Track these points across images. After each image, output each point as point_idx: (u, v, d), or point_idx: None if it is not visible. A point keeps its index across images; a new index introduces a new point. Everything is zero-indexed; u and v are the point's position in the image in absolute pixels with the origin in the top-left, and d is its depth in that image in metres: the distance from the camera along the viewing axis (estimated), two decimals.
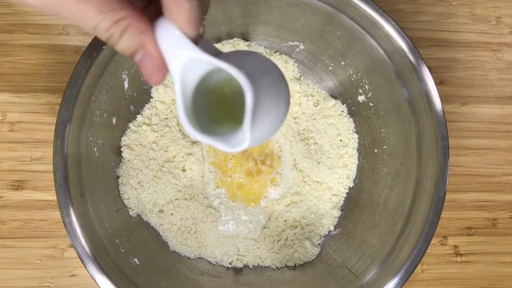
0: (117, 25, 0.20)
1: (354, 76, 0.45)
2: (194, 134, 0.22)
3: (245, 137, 0.22)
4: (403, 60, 0.39)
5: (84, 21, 0.20)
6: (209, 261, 0.44)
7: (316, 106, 0.47)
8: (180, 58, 0.21)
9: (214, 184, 0.45)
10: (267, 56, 0.26)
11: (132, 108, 0.44)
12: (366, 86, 0.44)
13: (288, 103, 0.25)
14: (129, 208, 0.43)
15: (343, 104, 0.47)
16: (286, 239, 0.45)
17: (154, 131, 0.44)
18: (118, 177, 0.43)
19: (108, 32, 0.21)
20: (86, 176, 0.38)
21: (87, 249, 0.36)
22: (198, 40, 0.22)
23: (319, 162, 0.46)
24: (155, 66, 0.22)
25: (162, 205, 0.44)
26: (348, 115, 0.47)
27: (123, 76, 0.41)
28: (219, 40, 0.46)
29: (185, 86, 0.22)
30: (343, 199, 0.46)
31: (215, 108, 0.25)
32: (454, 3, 0.51)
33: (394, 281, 0.37)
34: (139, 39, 0.21)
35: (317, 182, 0.46)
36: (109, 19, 0.20)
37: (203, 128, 0.23)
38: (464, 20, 0.51)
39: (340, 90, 0.47)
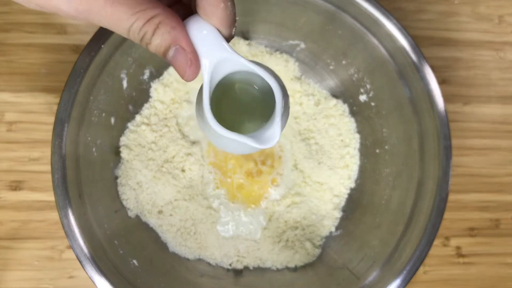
0: (149, 23, 0.21)
1: (356, 75, 0.44)
2: (223, 132, 0.23)
3: (276, 134, 0.23)
4: (405, 59, 0.39)
5: (118, 24, 0.21)
6: (208, 263, 0.44)
7: (317, 105, 0.47)
8: (213, 56, 0.22)
9: (213, 185, 0.45)
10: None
11: (131, 108, 0.44)
12: (367, 85, 0.44)
13: (289, 104, 0.26)
14: (128, 209, 0.43)
15: (344, 103, 0.46)
16: (287, 240, 0.45)
17: (153, 131, 0.44)
18: (116, 178, 0.43)
19: (141, 31, 0.21)
20: (85, 176, 0.38)
21: (85, 250, 0.35)
22: (229, 40, 0.23)
23: (320, 163, 0.46)
24: (188, 60, 0.22)
25: (161, 206, 0.44)
26: (350, 115, 0.46)
27: (121, 75, 0.41)
28: None
29: (210, 85, 0.23)
30: (345, 200, 0.46)
31: (224, 109, 0.25)
32: (456, 1, 0.51)
33: (396, 282, 0.37)
34: (171, 35, 0.21)
35: (318, 182, 0.45)
36: (142, 19, 0.21)
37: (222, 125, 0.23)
38: (467, 19, 0.51)
39: (341, 89, 0.46)
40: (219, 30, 0.22)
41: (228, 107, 0.25)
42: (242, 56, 0.22)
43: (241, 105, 0.26)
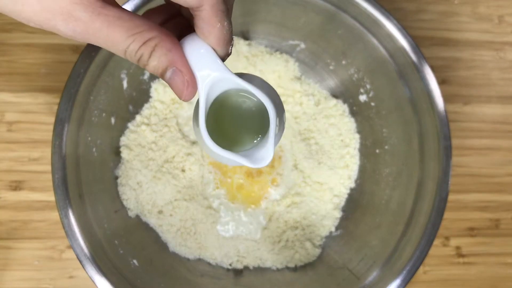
0: (145, 45, 0.21)
1: (356, 75, 0.44)
2: (218, 150, 0.23)
3: (269, 154, 0.24)
4: (405, 59, 0.39)
5: (115, 45, 0.21)
6: (209, 263, 0.44)
7: (317, 105, 0.47)
8: (209, 76, 0.22)
9: (213, 185, 0.45)
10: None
11: (131, 108, 0.44)
12: (367, 85, 0.44)
13: (285, 117, 0.27)
14: (128, 209, 0.43)
15: (344, 103, 0.46)
16: (287, 240, 0.45)
17: (153, 131, 0.44)
18: (117, 178, 0.43)
19: (137, 53, 0.21)
20: (85, 176, 0.38)
21: (85, 250, 0.35)
22: (225, 59, 0.23)
23: (320, 163, 0.46)
24: (185, 81, 0.22)
25: (162, 206, 0.44)
26: (350, 115, 0.46)
27: (122, 75, 0.41)
28: None
29: (207, 102, 0.23)
30: (345, 200, 0.46)
31: (217, 125, 0.26)
32: (456, 2, 0.51)
33: (396, 282, 0.37)
34: (167, 57, 0.22)
35: (318, 182, 0.45)
36: (138, 41, 0.21)
37: (216, 143, 0.24)
38: (467, 19, 0.51)
39: (341, 89, 0.46)
40: (216, 49, 0.22)
41: (225, 122, 0.26)
42: (236, 76, 0.23)
43: (238, 120, 0.26)
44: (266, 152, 0.24)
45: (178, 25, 0.24)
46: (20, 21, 0.22)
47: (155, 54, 0.22)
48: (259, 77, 0.25)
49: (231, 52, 0.24)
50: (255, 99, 0.25)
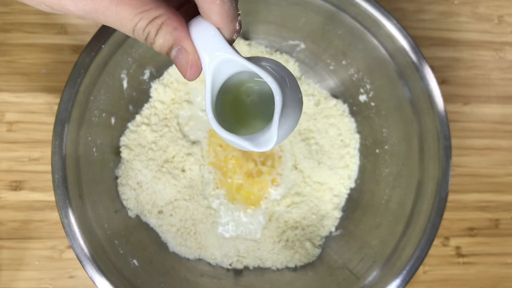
0: (152, 23, 0.22)
1: (356, 75, 0.44)
2: (223, 133, 0.23)
3: (273, 138, 0.23)
4: (405, 59, 0.39)
5: (123, 24, 0.22)
6: (209, 263, 0.44)
7: (317, 106, 0.47)
8: (214, 57, 0.22)
9: (213, 185, 0.45)
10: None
11: (131, 108, 0.44)
12: (367, 85, 0.44)
13: (301, 104, 0.26)
14: (128, 209, 0.43)
15: (344, 103, 0.46)
16: (287, 240, 0.45)
17: (153, 131, 0.44)
18: (117, 178, 0.43)
19: (145, 31, 0.22)
20: (85, 176, 0.38)
21: (85, 250, 0.35)
22: (235, 37, 0.23)
23: (320, 163, 0.46)
24: (189, 61, 0.22)
25: (162, 206, 0.44)
26: (350, 115, 0.46)
27: (122, 75, 0.41)
28: None
29: (213, 85, 0.23)
30: (344, 200, 0.46)
31: (230, 108, 0.26)
32: (456, 2, 0.51)
33: (396, 282, 0.37)
34: (173, 36, 0.22)
35: (318, 182, 0.45)
36: (145, 19, 0.22)
37: (223, 127, 0.23)
38: (466, 19, 0.51)
39: (341, 89, 0.46)
40: (221, 30, 0.22)
41: (236, 106, 0.25)
42: (243, 57, 0.22)
43: (251, 104, 0.26)
44: (270, 135, 0.23)
45: (188, 13, 0.24)
46: (30, 4, 0.22)
47: (161, 32, 0.22)
48: (274, 60, 0.25)
49: (239, 30, 0.23)
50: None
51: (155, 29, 0.22)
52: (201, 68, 0.23)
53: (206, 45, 0.22)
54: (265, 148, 0.23)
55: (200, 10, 0.22)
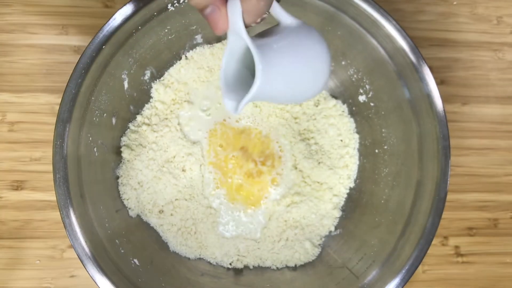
0: None
1: (355, 76, 0.45)
2: (224, 94, 0.28)
3: (256, 80, 0.26)
4: (404, 60, 0.39)
5: None
6: (209, 262, 0.44)
7: (317, 106, 0.47)
8: (235, 24, 0.27)
9: (214, 185, 0.45)
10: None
11: (131, 108, 0.44)
12: (367, 86, 0.44)
13: (324, 62, 0.29)
14: (129, 208, 0.43)
15: (343, 104, 0.47)
16: (287, 240, 0.45)
17: (154, 131, 0.44)
18: (117, 178, 0.43)
19: None
20: (86, 176, 0.38)
21: (86, 249, 0.35)
22: (252, 24, 0.27)
23: (319, 163, 0.46)
24: (221, 17, 0.26)
25: (162, 206, 0.44)
26: (349, 115, 0.46)
27: (122, 76, 0.41)
28: (218, 40, 0.46)
29: (232, 52, 0.28)
30: (344, 199, 0.46)
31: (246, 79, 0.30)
32: (455, 2, 0.51)
33: (395, 281, 0.37)
34: None
35: (318, 182, 0.46)
36: None
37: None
38: (465, 19, 0.51)
39: (341, 90, 0.47)
40: (246, 16, 0.26)
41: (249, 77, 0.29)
42: (249, 37, 0.26)
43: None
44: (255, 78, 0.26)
45: None
46: None
47: None
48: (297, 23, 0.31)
49: (260, 21, 0.27)
50: None
51: None
52: (227, 25, 0.27)
53: (233, 16, 0.26)
54: (250, 91, 0.26)
55: None
